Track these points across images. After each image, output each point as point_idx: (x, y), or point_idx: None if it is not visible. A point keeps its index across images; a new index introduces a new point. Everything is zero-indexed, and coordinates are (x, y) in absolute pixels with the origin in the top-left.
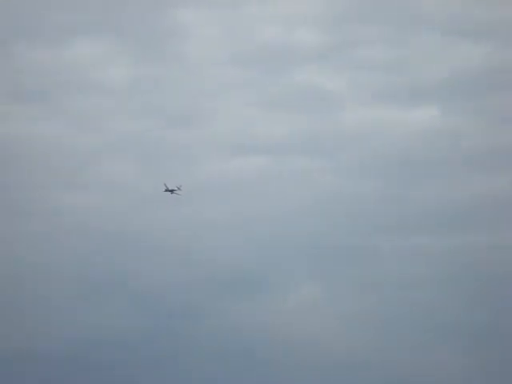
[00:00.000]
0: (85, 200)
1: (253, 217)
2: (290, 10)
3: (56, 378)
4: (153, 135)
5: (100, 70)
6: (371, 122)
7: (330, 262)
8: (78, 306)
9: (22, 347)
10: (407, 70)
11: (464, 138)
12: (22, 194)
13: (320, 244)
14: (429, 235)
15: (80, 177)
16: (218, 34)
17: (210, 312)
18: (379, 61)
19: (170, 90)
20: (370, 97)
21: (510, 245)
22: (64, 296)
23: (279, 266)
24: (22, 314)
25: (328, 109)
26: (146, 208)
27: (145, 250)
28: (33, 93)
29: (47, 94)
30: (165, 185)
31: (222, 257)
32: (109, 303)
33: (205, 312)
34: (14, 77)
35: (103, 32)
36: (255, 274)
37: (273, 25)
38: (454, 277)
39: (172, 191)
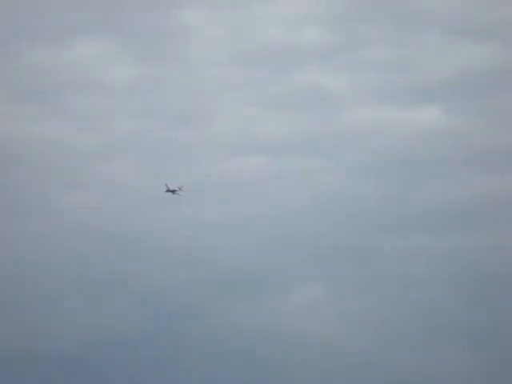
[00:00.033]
0: (85, 200)
1: (253, 217)
2: (291, 10)
3: (56, 378)
4: (153, 135)
5: (101, 70)
6: (372, 122)
7: (330, 262)
8: (78, 306)
9: (22, 347)
10: (408, 70)
11: (465, 137)
12: (22, 194)
13: (320, 244)
14: (429, 235)
15: (80, 177)
16: (219, 34)
17: (210, 312)
18: (380, 61)
19: (170, 90)
20: (371, 97)
21: (510, 245)
22: (64, 296)
23: (279, 266)
24: (22, 314)
25: (329, 109)
26: (146, 208)
27: (145, 250)
28: (33, 93)
29: (47, 93)
30: (166, 185)
31: (222, 257)
32: (109, 303)
33: (205, 312)
34: (15, 77)
35: (104, 32)
36: (255, 274)
37: (274, 25)
38: (455, 277)
39: (173, 192)
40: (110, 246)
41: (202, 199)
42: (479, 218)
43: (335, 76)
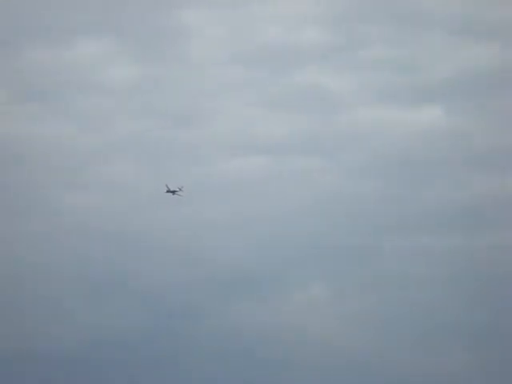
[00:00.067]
0: (85, 200)
1: (253, 217)
2: (291, 10)
3: (56, 378)
4: (153, 135)
5: (101, 70)
6: (372, 122)
7: (330, 262)
8: (78, 306)
9: (22, 347)
10: (408, 70)
11: (465, 137)
12: (22, 193)
13: (320, 244)
14: (429, 235)
15: (80, 177)
16: (219, 34)
17: (210, 312)
18: (380, 61)
19: (170, 90)
20: (372, 97)
21: (510, 245)
22: (64, 296)
23: (279, 266)
24: (22, 314)
25: (329, 109)
26: (146, 208)
27: (145, 249)
28: (33, 93)
29: (48, 93)
30: (166, 186)
31: (222, 257)
32: (109, 303)
33: (205, 312)
34: (15, 77)
35: (104, 32)
36: (255, 274)
37: (274, 25)
38: (455, 277)
39: (174, 192)
40: (109, 246)
41: (202, 199)
42: (480, 218)
43: (335, 76)
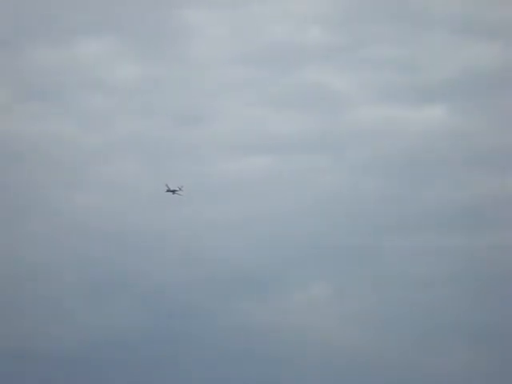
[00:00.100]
0: (85, 200)
1: (253, 217)
2: (296, 9)
3: (56, 377)
4: (154, 135)
5: (102, 70)
6: (376, 122)
7: (331, 262)
8: (77, 305)
9: (22, 347)
10: (415, 69)
11: (469, 137)
12: (22, 193)
13: (321, 244)
14: (431, 235)
15: (80, 176)
16: (224, 34)
17: (210, 312)
18: (386, 60)
19: (174, 89)
20: (375, 96)
21: (510, 245)
22: (64, 296)
23: (280, 266)
24: (22, 314)
25: (335, 108)
26: (146, 208)
27: (145, 249)
28: (35, 92)
29: (49, 93)
30: (166, 185)
31: (222, 257)
32: (109, 303)
33: (205, 312)
34: (17, 76)
35: (106, 32)
36: (255, 274)
37: (279, 24)
38: (455, 276)
39: (173, 192)
40: (109, 246)
41: (202, 199)
42: (480, 218)
43: (338, 75)
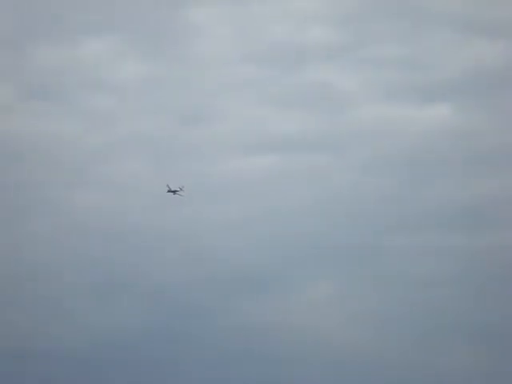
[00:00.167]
0: (85, 199)
1: (254, 217)
2: (301, 8)
3: (56, 377)
4: (158, 135)
5: (106, 69)
6: (380, 121)
7: (331, 261)
8: (77, 305)
9: (22, 347)
10: (416, 68)
11: (473, 136)
12: (22, 193)
13: (321, 244)
14: (431, 235)
15: (80, 176)
16: (229, 33)
17: (211, 312)
18: (389, 59)
19: (176, 89)
20: (378, 95)
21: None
22: (64, 296)
23: (280, 265)
24: (22, 314)
25: (336, 108)
26: (149, 207)
27: (145, 249)
28: (37, 91)
29: (52, 92)
30: (167, 186)
31: (225, 257)
32: (109, 303)
33: (205, 312)
34: (20, 75)
35: (110, 31)
36: (255, 274)
37: (284, 23)
38: (455, 276)
39: (174, 192)
40: (110, 246)
41: (203, 199)
42: (480, 218)
43: (340, 75)
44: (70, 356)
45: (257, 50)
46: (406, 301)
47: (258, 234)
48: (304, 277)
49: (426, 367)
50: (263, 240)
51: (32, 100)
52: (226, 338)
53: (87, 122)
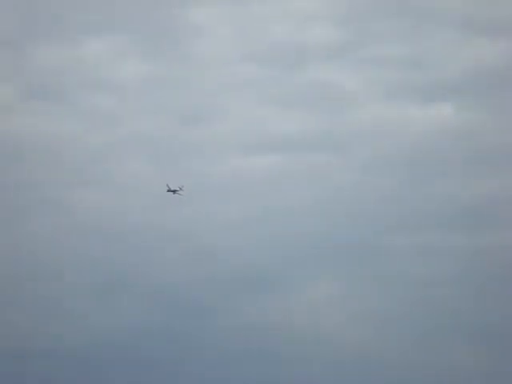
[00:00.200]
0: (85, 199)
1: (254, 216)
2: (301, 8)
3: (56, 377)
4: (159, 134)
5: (107, 69)
6: (381, 121)
7: (331, 261)
8: (77, 305)
9: (22, 346)
10: (418, 67)
11: (474, 136)
12: (22, 193)
13: (322, 243)
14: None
15: (82, 176)
16: (229, 33)
17: (211, 311)
18: (391, 58)
19: (177, 89)
20: (382, 95)
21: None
22: (64, 296)
23: (280, 265)
24: (22, 314)
25: (337, 107)
26: (149, 207)
27: (145, 249)
28: (38, 91)
29: (53, 92)
30: (167, 185)
31: (225, 257)
32: (109, 303)
33: (205, 311)
34: (21, 75)
35: (111, 31)
36: (256, 274)
37: (284, 23)
38: (455, 276)
39: (174, 191)
40: (110, 246)
41: (204, 198)
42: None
43: (344, 74)
44: (70, 356)
45: (257, 50)
46: (406, 301)
47: (258, 233)
48: (304, 277)
49: (426, 367)
50: (263, 240)
51: (32, 100)
52: (226, 338)
53: (87, 122)
